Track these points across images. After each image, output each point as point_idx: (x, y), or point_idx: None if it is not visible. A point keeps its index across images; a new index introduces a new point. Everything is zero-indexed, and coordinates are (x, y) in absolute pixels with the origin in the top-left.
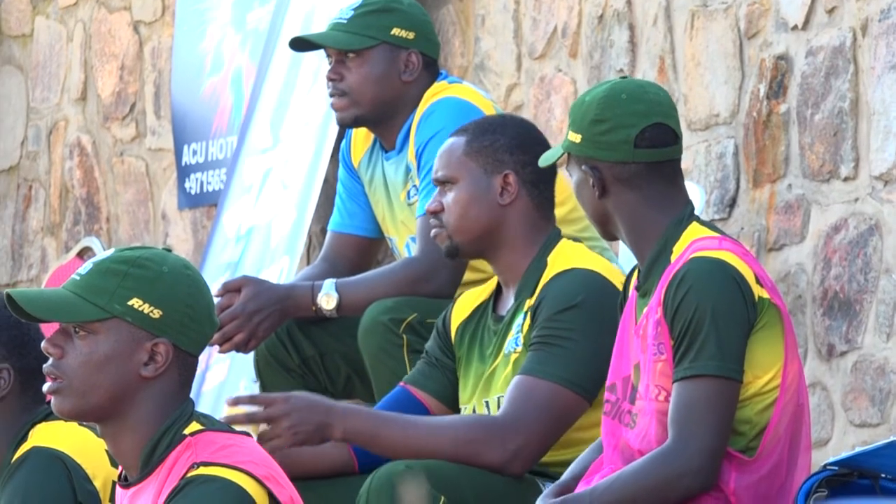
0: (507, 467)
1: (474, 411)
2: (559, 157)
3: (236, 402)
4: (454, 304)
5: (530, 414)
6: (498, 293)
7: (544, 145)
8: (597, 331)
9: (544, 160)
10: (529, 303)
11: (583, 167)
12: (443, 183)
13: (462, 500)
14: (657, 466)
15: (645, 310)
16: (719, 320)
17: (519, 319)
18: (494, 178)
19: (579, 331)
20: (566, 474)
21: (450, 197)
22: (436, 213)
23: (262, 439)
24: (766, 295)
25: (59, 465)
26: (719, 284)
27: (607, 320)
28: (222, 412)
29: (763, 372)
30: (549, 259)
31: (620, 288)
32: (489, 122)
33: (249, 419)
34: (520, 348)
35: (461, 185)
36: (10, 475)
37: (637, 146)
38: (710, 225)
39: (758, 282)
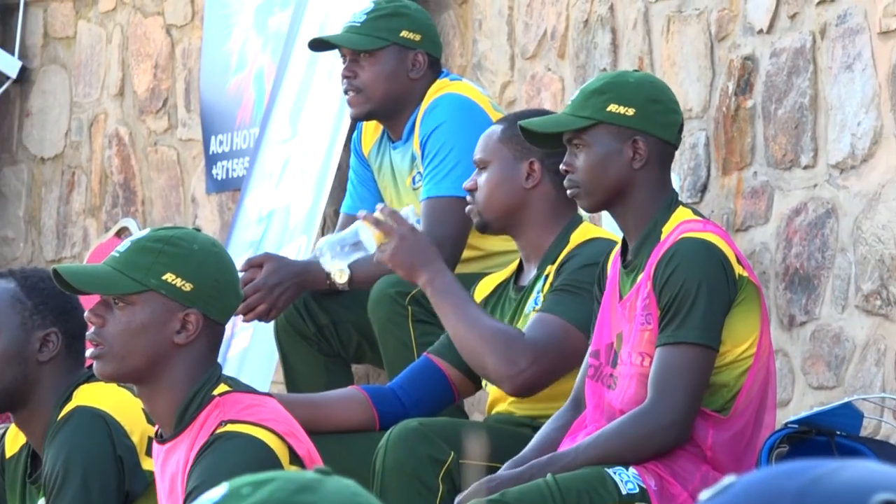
0: (512, 380)
1: None
2: (580, 127)
3: (383, 210)
4: (476, 286)
5: (543, 342)
6: (519, 271)
7: None
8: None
9: (552, 124)
10: (551, 269)
11: (634, 138)
12: (479, 165)
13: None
14: (637, 423)
15: (632, 286)
16: (704, 295)
17: (539, 284)
18: (522, 164)
19: (590, 284)
20: (527, 448)
21: (483, 177)
22: (471, 192)
23: (379, 250)
24: (745, 273)
25: (101, 423)
26: (706, 263)
27: None
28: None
29: (741, 342)
30: (572, 237)
31: None
32: (526, 112)
33: (377, 222)
34: (538, 306)
35: (493, 167)
36: (55, 432)
37: (679, 131)
38: (693, 209)
39: (738, 261)
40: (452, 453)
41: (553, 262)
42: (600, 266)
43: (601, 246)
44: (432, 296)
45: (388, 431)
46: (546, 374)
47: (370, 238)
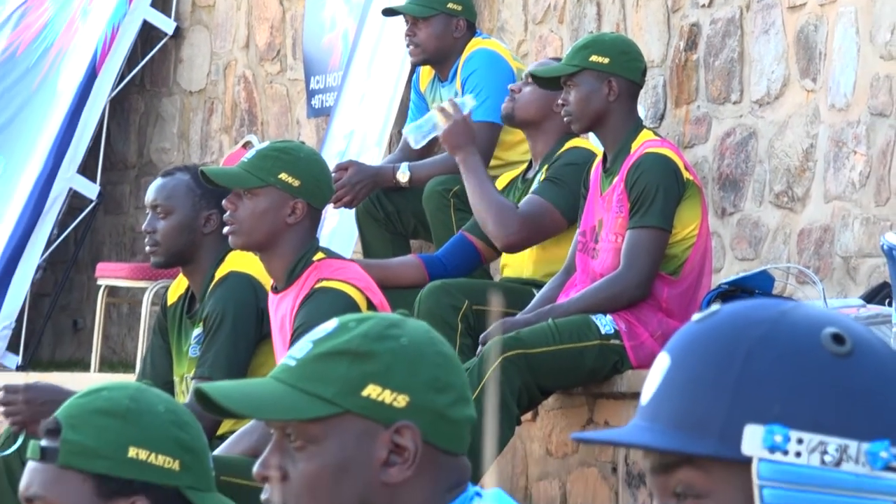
0: (503, 239)
1: None
2: (571, 72)
3: (450, 100)
4: (496, 180)
5: (529, 216)
6: (527, 169)
7: None
8: (579, 180)
9: (552, 71)
10: (546, 166)
11: (609, 79)
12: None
13: (479, 301)
14: (612, 284)
15: (610, 185)
16: (661, 192)
17: (539, 176)
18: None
19: (570, 178)
20: (533, 301)
21: (528, 90)
22: (513, 92)
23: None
24: (690, 177)
25: (249, 283)
26: (663, 170)
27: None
28: (432, 110)
29: (687, 225)
30: (566, 144)
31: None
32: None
33: (443, 110)
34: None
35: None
36: (216, 287)
37: (642, 75)
38: (654, 131)
39: (685, 169)
40: (466, 301)
41: (549, 162)
42: (585, 171)
43: (583, 152)
44: (462, 170)
45: (425, 287)
46: (528, 239)
47: (440, 122)
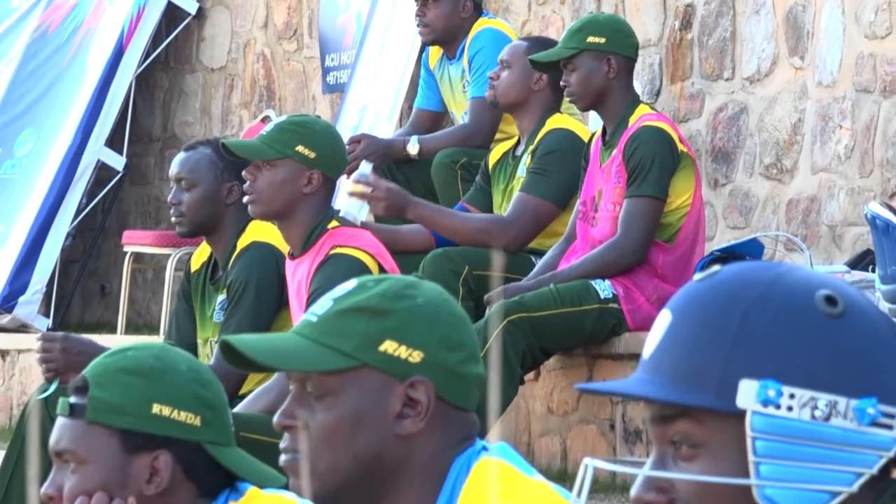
0: (505, 248)
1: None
2: (570, 55)
3: (358, 182)
4: (490, 152)
5: (522, 217)
6: (517, 145)
7: None
8: (567, 165)
9: (551, 55)
10: (531, 148)
11: (608, 57)
12: (504, 64)
13: (479, 266)
14: (610, 250)
15: (609, 157)
16: (657, 164)
17: (524, 157)
18: (535, 74)
19: (553, 166)
20: (536, 268)
21: (505, 74)
22: (492, 79)
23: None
24: (685, 149)
25: (271, 253)
26: (659, 142)
27: (574, 158)
28: (348, 185)
29: (681, 195)
30: (546, 122)
31: (586, 139)
32: (535, 39)
33: (362, 195)
34: (523, 175)
35: (514, 69)
36: (239, 256)
37: (636, 50)
38: (651, 105)
39: (680, 141)
40: (467, 266)
41: (532, 141)
42: (585, 146)
43: (563, 134)
44: (423, 223)
45: (428, 254)
46: (526, 236)
47: (358, 207)
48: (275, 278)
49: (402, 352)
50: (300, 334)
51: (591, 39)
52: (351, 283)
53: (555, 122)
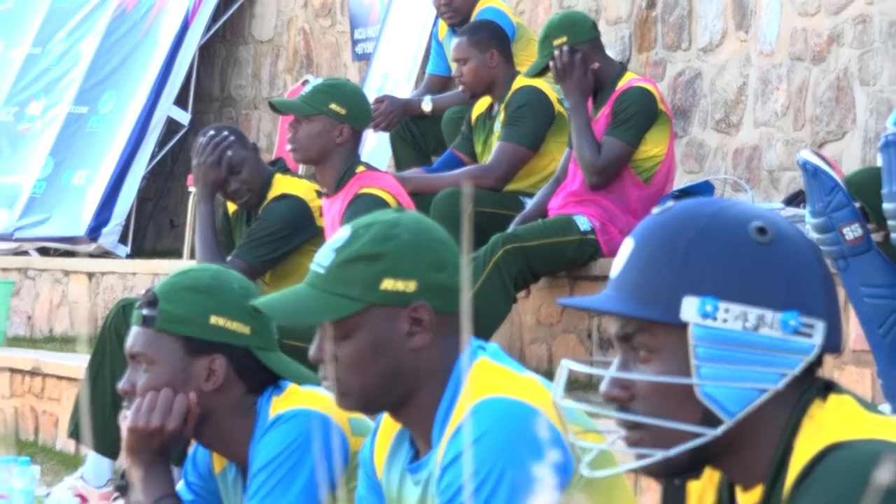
0: (492, 188)
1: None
2: (546, 63)
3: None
4: (477, 104)
5: (502, 162)
6: (491, 106)
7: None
8: (535, 114)
9: (534, 69)
10: (503, 106)
11: (576, 50)
12: (461, 62)
13: (480, 203)
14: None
15: (599, 112)
16: (636, 118)
17: (499, 116)
18: (487, 54)
19: (524, 116)
20: (529, 205)
21: (466, 67)
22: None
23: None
24: (663, 108)
25: (301, 203)
26: (644, 101)
27: (540, 108)
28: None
29: (658, 144)
30: (513, 84)
31: (548, 93)
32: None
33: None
34: (499, 130)
35: (472, 62)
36: (273, 201)
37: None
38: (634, 72)
39: (661, 100)
40: (472, 205)
41: (503, 101)
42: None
43: (528, 90)
44: (419, 192)
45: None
46: (505, 178)
47: None
48: (307, 218)
49: (400, 285)
50: (312, 285)
51: (556, 42)
52: (345, 232)
53: (519, 82)
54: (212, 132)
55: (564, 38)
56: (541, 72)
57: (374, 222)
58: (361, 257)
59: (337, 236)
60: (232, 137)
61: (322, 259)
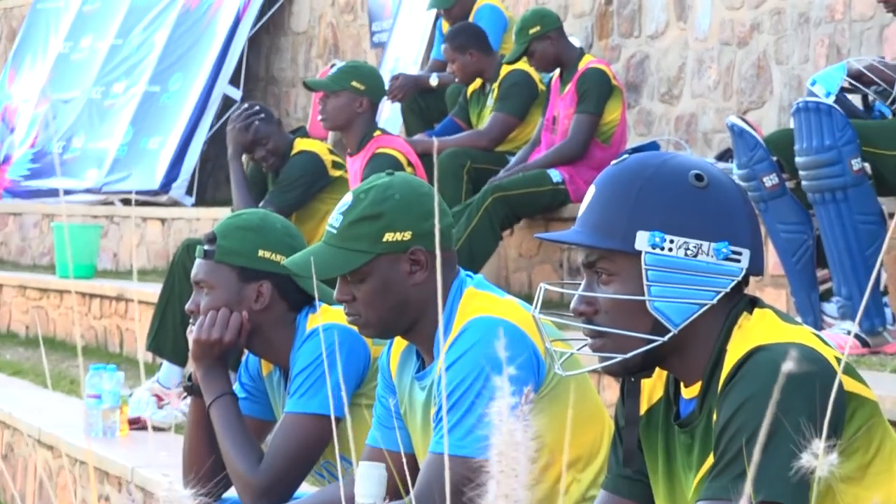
0: (485, 148)
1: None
2: (524, 49)
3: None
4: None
5: (495, 128)
6: (483, 85)
7: None
8: (523, 91)
9: (515, 53)
10: (495, 85)
11: (548, 36)
12: (451, 55)
13: (475, 161)
14: (560, 148)
15: (566, 89)
16: (595, 91)
17: (491, 93)
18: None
19: (514, 93)
20: (513, 162)
21: (457, 64)
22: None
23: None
24: (616, 83)
25: (318, 159)
26: (600, 79)
27: (526, 86)
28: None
29: (613, 112)
30: (502, 69)
31: (532, 74)
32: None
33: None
34: (491, 104)
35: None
36: (293, 158)
37: (559, 22)
38: (592, 55)
39: (614, 78)
40: (469, 161)
41: (495, 81)
42: (547, 83)
43: (517, 73)
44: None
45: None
46: (496, 141)
47: None
48: (320, 172)
49: (398, 236)
50: (328, 244)
51: (531, 31)
52: (349, 198)
53: (507, 68)
54: (245, 106)
55: (538, 28)
56: (517, 58)
57: (371, 187)
58: (365, 217)
59: (343, 202)
60: (258, 109)
61: (333, 221)
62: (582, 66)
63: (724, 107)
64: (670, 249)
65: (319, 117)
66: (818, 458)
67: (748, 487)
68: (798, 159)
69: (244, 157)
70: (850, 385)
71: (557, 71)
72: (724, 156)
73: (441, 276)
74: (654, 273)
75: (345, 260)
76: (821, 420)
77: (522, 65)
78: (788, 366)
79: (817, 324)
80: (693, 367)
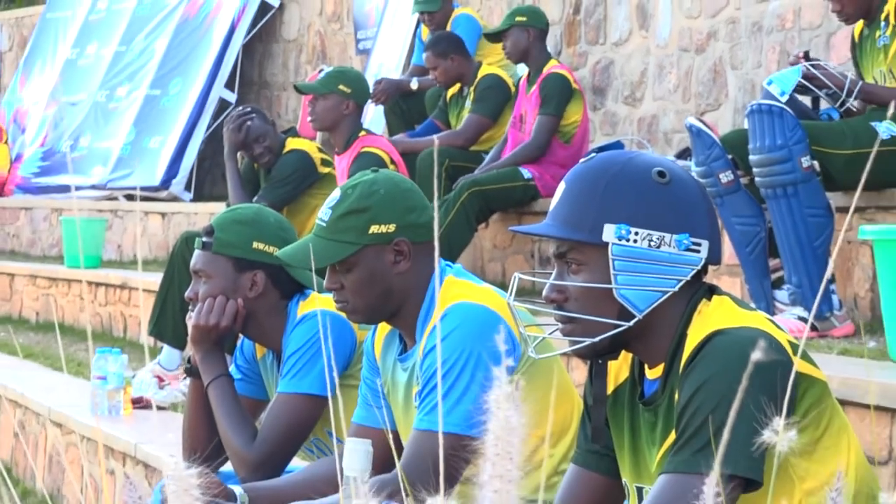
0: (462, 146)
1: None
2: (505, 28)
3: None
4: (448, 90)
5: (470, 128)
6: (461, 88)
7: None
8: (497, 95)
9: (495, 29)
10: (472, 88)
11: (528, 30)
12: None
13: (452, 159)
14: (525, 147)
15: (531, 90)
16: (556, 95)
17: (468, 96)
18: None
19: (489, 95)
20: (487, 160)
21: (442, 67)
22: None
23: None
24: (577, 87)
25: (307, 156)
26: (560, 84)
27: (499, 90)
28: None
29: (575, 114)
30: (479, 72)
31: (506, 79)
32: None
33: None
34: (469, 107)
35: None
36: (286, 157)
37: (546, 26)
38: (557, 59)
39: (574, 82)
40: (447, 160)
41: (472, 84)
42: (516, 85)
43: (493, 77)
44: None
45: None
46: (472, 139)
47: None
48: (311, 168)
49: (383, 229)
50: (318, 236)
51: (518, 19)
52: (337, 193)
53: (484, 70)
54: (239, 108)
55: (525, 18)
56: (497, 32)
57: (358, 183)
58: (352, 211)
59: (332, 197)
60: (252, 112)
61: (323, 214)
62: (546, 70)
63: (683, 109)
64: (635, 241)
65: (309, 118)
66: (778, 434)
67: (717, 463)
68: (752, 157)
69: (238, 155)
70: (802, 366)
71: (526, 72)
72: (684, 154)
73: (424, 266)
74: (620, 263)
75: (334, 250)
76: (781, 401)
77: (496, 69)
78: (756, 355)
79: (769, 309)
80: (656, 349)
